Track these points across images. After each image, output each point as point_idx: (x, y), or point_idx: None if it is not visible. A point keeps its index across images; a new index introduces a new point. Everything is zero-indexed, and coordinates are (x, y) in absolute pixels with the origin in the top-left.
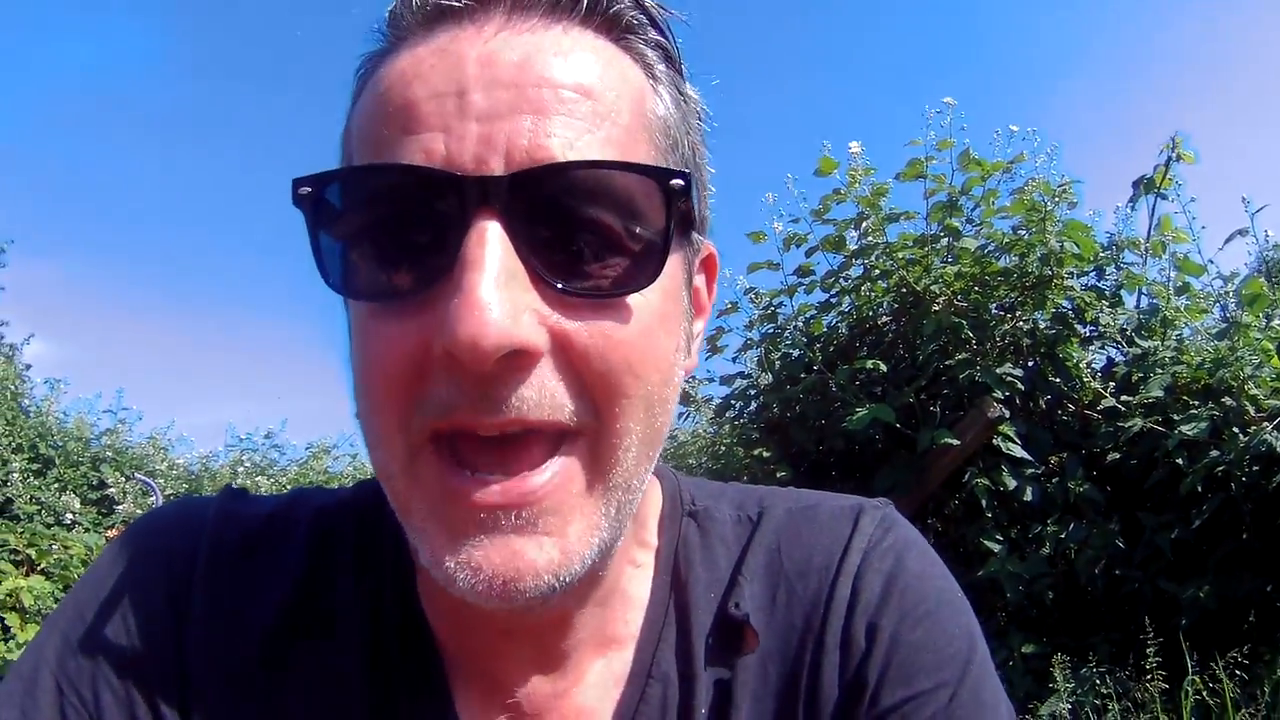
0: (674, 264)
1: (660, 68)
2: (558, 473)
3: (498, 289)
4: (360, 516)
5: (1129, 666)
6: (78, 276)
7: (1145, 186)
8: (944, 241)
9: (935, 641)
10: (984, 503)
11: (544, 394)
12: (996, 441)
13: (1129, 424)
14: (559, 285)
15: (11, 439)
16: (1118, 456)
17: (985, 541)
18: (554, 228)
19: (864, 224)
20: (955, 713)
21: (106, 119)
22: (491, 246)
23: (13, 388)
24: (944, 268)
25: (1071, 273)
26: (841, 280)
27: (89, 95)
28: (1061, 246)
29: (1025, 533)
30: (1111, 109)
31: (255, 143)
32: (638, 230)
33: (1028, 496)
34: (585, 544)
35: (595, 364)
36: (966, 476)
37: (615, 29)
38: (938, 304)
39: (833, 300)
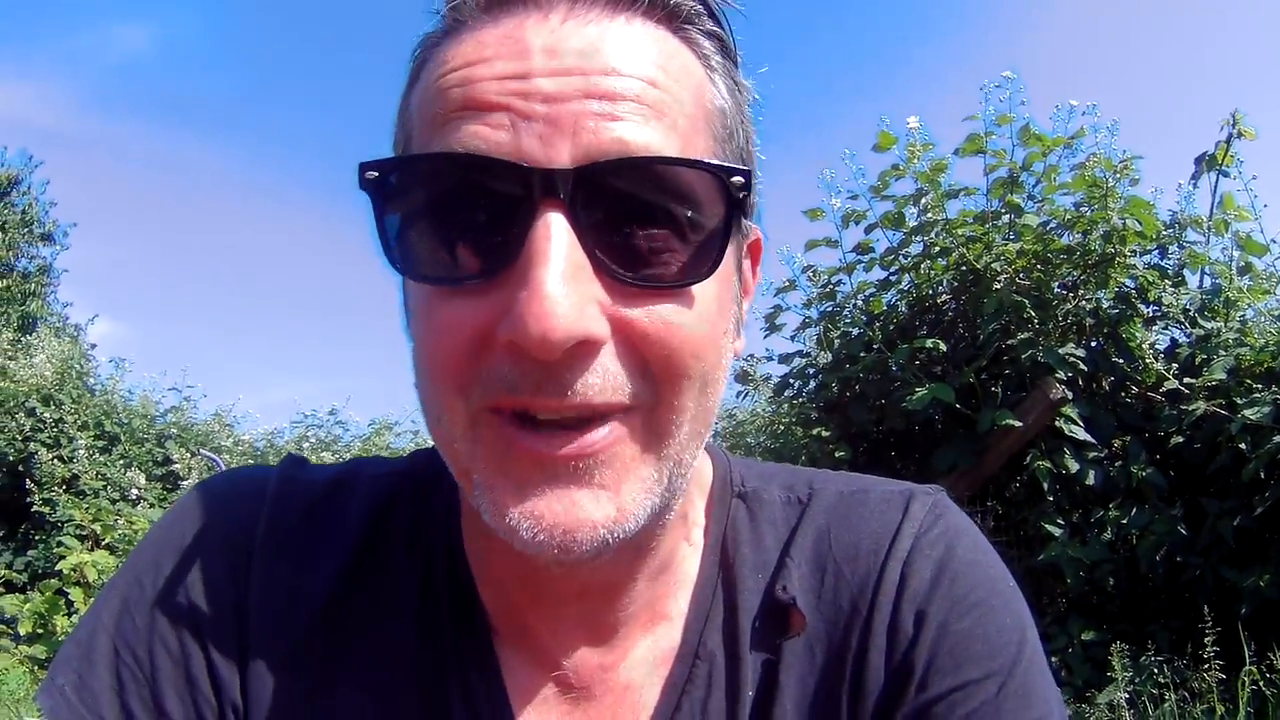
0: (729, 251)
1: (716, 58)
2: (614, 432)
3: (564, 283)
4: (415, 486)
5: (1187, 656)
6: (142, 259)
7: (1207, 163)
8: (1005, 218)
9: (985, 631)
10: (1045, 485)
11: (607, 378)
12: (1058, 423)
13: (1192, 407)
14: (623, 275)
15: (78, 416)
16: (1181, 440)
17: (1046, 525)
18: (619, 219)
19: (923, 200)
20: (1003, 704)
21: (172, 102)
22: (558, 239)
23: (78, 366)
24: (1005, 245)
25: (1134, 250)
26: (901, 258)
27: (152, 79)
28: (1124, 224)
29: (1087, 517)
30: (1171, 84)
31: (320, 119)
32: (699, 223)
33: (1090, 480)
34: (638, 504)
35: (657, 349)
36: (1028, 458)
37: (675, 20)
38: (999, 282)
39: (892, 278)
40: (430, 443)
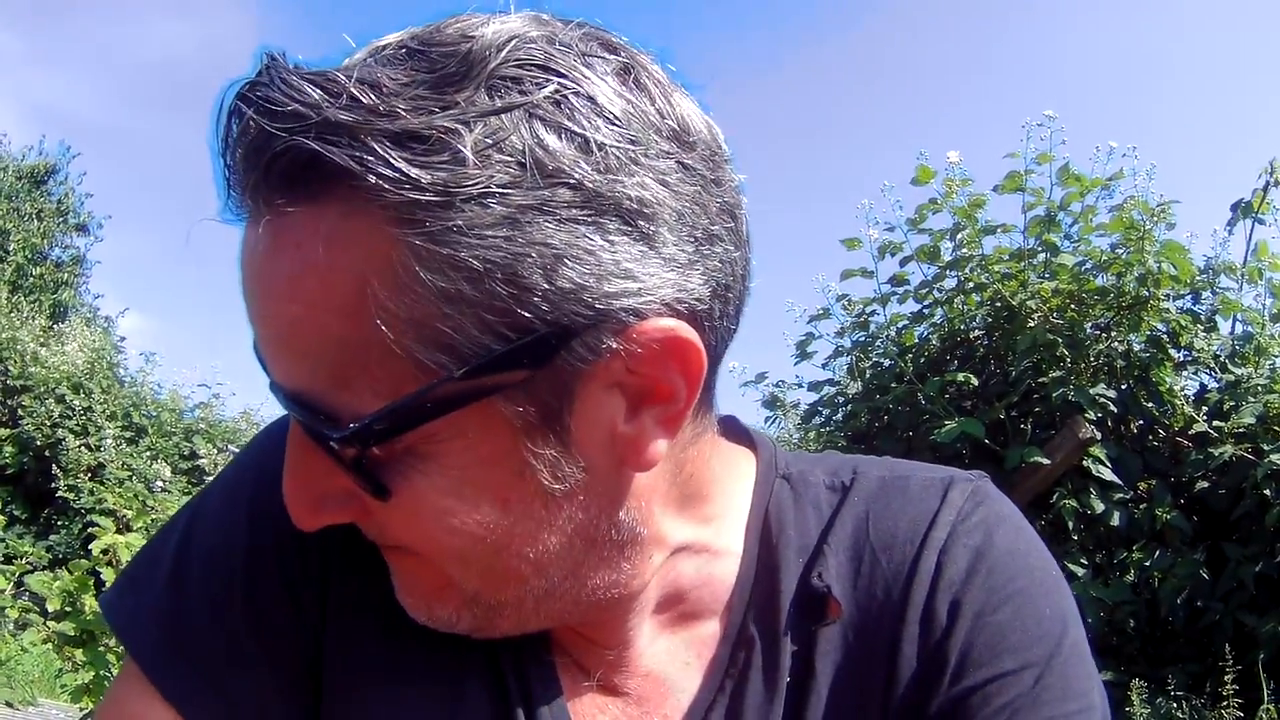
0: (476, 427)
1: (414, 216)
2: (414, 567)
3: (296, 481)
4: None
5: (1205, 695)
6: (175, 257)
7: (1243, 211)
8: (1041, 257)
9: (1023, 622)
10: (1070, 525)
11: (376, 534)
12: (1086, 463)
13: (1219, 451)
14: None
15: (106, 406)
16: (1206, 485)
17: (1070, 565)
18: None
19: (960, 235)
20: (1040, 695)
21: (208, 103)
22: (294, 439)
23: (109, 357)
24: (1041, 283)
25: (1168, 294)
26: (935, 291)
27: (193, 76)
28: (1159, 267)
29: (1110, 558)
30: (1209, 131)
31: None
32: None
33: (1115, 521)
34: (446, 620)
35: (389, 539)
36: (1054, 497)
37: (333, 196)
38: (1033, 319)
39: (925, 311)
40: None
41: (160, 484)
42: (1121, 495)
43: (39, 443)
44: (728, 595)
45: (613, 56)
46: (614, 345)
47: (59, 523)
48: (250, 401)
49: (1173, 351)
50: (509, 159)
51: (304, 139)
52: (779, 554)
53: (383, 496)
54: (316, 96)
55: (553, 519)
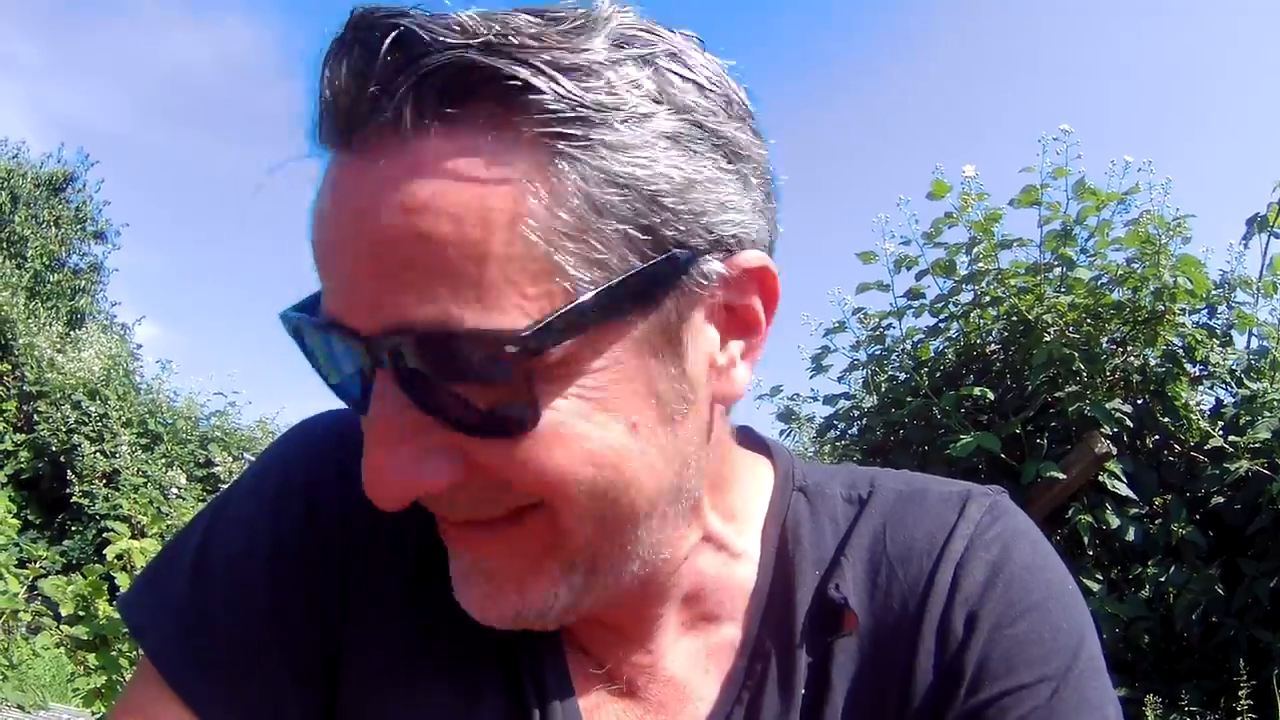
0: (614, 345)
1: (572, 131)
2: (507, 535)
3: (390, 449)
4: None
5: (1219, 711)
6: (190, 267)
7: (1259, 225)
8: (1057, 271)
9: (1040, 635)
10: (1086, 540)
11: (474, 504)
12: (1102, 478)
13: (1235, 466)
14: (461, 425)
15: (122, 413)
16: (1222, 500)
17: (1085, 580)
18: (435, 379)
19: (975, 249)
20: (1056, 708)
21: (227, 114)
22: (386, 404)
23: (125, 364)
24: (1057, 298)
25: (1183, 309)
26: (951, 305)
27: (209, 90)
28: (1174, 281)
29: (1125, 574)
30: (1224, 145)
31: None
32: (494, 381)
33: (1130, 536)
34: (544, 598)
35: (515, 485)
36: (1070, 512)
37: (481, 112)
38: (1049, 334)
39: (941, 325)
40: None
41: (175, 491)
42: (1137, 510)
43: (54, 448)
44: (745, 602)
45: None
46: (721, 270)
47: (73, 528)
48: (266, 410)
49: (1188, 366)
50: (645, 94)
51: (468, 53)
52: (794, 565)
53: (524, 426)
54: (470, 23)
55: (669, 448)
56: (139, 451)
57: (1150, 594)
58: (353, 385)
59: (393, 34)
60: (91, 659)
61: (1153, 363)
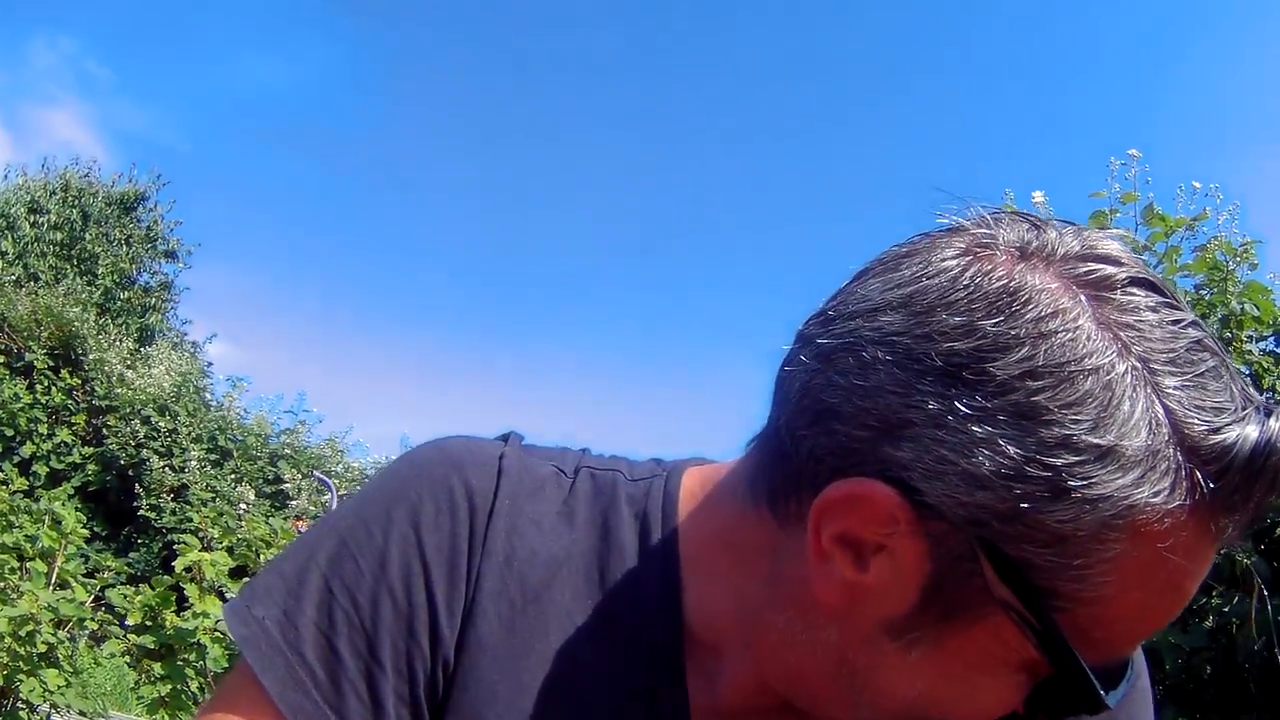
0: None
1: None
2: None
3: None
4: (637, 503)
5: None
6: (259, 288)
7: None
8: None
9: None
10: None
11: None
12: None
13: None
14: None
15: (191, 429)
16: None
17: None
18: None
19: None
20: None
21: (302, 136)
22: None
23: (195, 381)
24: None
25: (1250, 336)
26: None
27: (282, 111)
28: (1242, 308)
29: (1189, 604)
30: None
31: (445, 164)
32: None
33: None
34: None
35: None
36: None
37: None
38: None
39: None
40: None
41: (244, 507)
42: None
43: (122, 462)
44: None
45: None
46: None
47: (139, 541)
48: (335, 428)
49: (1256, 395)
50: None
51: None
52: None
53: None
54: None
55: None
56: (208, 467)
57: (1213, 624)
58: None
59: None
60: (157, 668)
61: None
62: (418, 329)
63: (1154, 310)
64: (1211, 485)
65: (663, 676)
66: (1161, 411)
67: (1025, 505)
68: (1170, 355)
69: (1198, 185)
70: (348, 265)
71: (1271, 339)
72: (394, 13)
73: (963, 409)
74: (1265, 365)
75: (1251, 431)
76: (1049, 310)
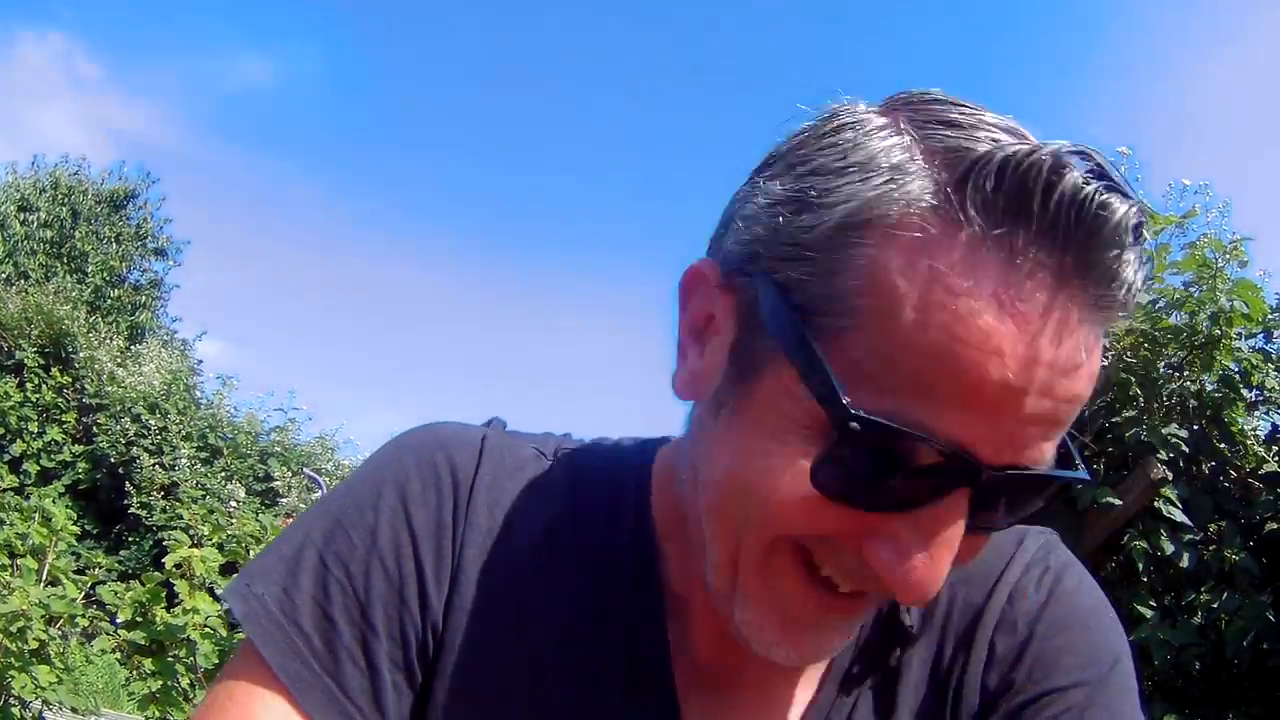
0: None
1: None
2: (869, 604)
3: (945, 556)
4: (610, 465)
5: None
6: (251, 284)
7: None
8: None
9: (1078, 646)
10: (1140, 567)
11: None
12: (1158, 504)
13: None
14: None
15: (182, 426)
16: (1276, 527)
17: (1139, 607)
18: (990, 504)
19: None
20: (1088, 713)
21: (288, 134)
22: (958, 529)
23: (186, 379)
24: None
25: (1240, 333)
26: None
27: (272, 110)
28: (1231, 305)
29: (1178, 600)
30: None
31: (431, 163)
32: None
33: (1184, 563)
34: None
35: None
36: (1125, 538)
37: (1114, 313)
38: (1107, 358)
39: None
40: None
41: (234, 504)
42: (1191, 536)
43: (113, 460)
44: None
45: None
46: None
47: (129, 538)
48: (326, 426)
49: (1245, 391)
50: None
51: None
52: None
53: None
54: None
55: None
56: (198, 465)
57: (1202, 620)
58: (894, 485)
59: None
60: (148, 664)
61: (1209, 388)
62: (407, 327)
63: (950, 107)
64: (955, 192)
65: (644, 633)
66: (913, 140)
67: (780, 222)
68: (945, 120)
69: (1187, 182)
70: (337, 262)
71: (1260, 335)
72: (387, 13)
73: (760, 180)
74: (1254, 362)
75: (1004, 150)
76: (852, 118)
